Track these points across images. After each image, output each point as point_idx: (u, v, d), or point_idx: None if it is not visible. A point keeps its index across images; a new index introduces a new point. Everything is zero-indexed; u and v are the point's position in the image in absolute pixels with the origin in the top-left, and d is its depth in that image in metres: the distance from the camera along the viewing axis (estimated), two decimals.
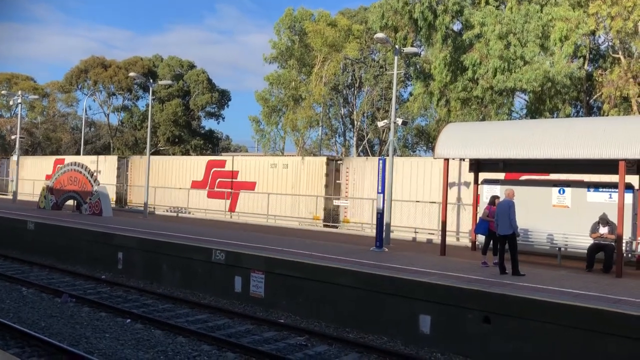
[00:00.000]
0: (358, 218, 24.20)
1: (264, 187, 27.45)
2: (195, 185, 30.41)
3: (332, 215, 25.24)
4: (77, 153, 49.83)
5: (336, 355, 9.93)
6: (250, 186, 28.08)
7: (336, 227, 24.53)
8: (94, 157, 36.82)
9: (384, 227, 16.95)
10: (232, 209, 28.54)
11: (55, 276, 16.29)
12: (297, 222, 25.69)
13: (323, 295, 12.29)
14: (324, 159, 26.68)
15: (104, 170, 34.38)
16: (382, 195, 16.45)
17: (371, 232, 22.28)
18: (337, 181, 25.44)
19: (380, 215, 16.36)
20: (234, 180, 28.76)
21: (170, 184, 30.74)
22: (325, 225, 24.85)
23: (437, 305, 10.63)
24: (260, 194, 27.25)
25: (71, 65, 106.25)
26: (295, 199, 26.00)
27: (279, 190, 26.77)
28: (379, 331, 11.28)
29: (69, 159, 38.53)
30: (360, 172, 24.59)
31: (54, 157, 40.61)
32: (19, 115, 36.49)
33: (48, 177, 37.18)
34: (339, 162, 26.15)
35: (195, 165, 31.15)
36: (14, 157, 33.03)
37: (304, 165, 26.49)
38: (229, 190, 28.62)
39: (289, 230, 22.83)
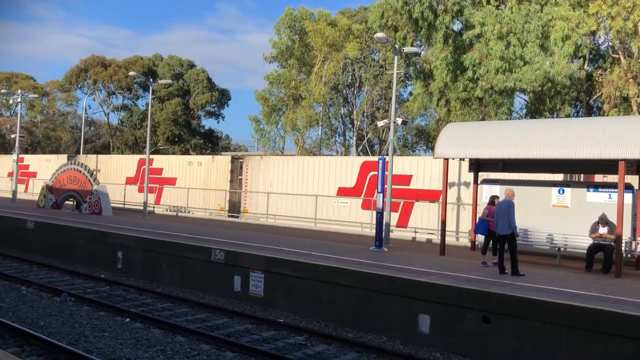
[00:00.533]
0: (254, 209, 27.64)
1: (183, 182, 30.93)
2: (129, 181, 33.52)
3: (236, 207, 28.67)
4: (77, 152, 49.78)
5: (335, 354, 9.93)
6: (172, 181, 31.45)
7: (237, 217, 27.81)
8: (48, 156, 39.59)
9: (384, 226, 16.94)
10: (157, 202, 31.50)
11: (54, 275, 16.28)
12: (208, 213, 28.87)
13: (322, 294, 12.29)
14: (229, 157, 30.10)
15: (57, 167, 36.79)
16: (381, 194, 16.44)
17: (265, 221, 26.26)
18: (240, 177, 28.75)
19: (379, 214, 16.35)
20: (159, 176, 32.28)
21: (108, 180, 33.56)
22: (229, 216, 28.11)
23: (437, 305, 10.63)
24: (180, 189, 30.63)
25: (71, 64, 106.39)
26: (207, 192, 29.47)
27: (195, 185, 30.13)
28: (378, 331, 11.28)
29: (25, 158, 40.72)
30: (256, 169, 27.94)
31: (8, 157, 42.32)
32: (18, 114, 36.48)
33: (10, 175, 38.70)
34: (240, 160, 29.32)
35: (129, 163, 34.48)
36: (13, 156, 33.00)
37: (214, 163, 29.93)
38: (156, 185, 31.62)
39: (202, 221, 25.34)
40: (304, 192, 25.92)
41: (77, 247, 18.43)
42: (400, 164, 22.98)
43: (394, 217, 22.43)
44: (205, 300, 13.75)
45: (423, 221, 22.35)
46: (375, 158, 27.40)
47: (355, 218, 24.00)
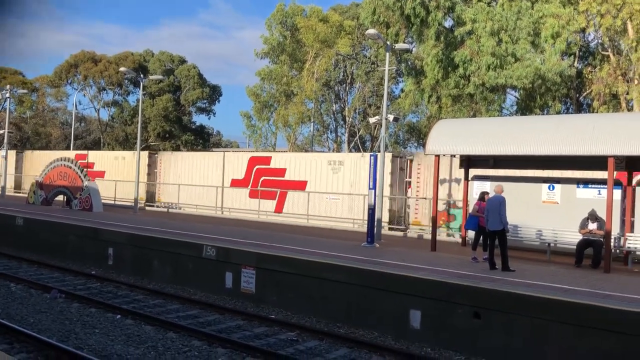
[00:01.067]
0: (167, 199, 31.13)
1: (110, 175, 34.01)
2: None
3: (153, 197, 32.20)
4: (67, 148, 49.49)
5: (327, 350, 9.95)
6: (101, 174, 34.34)
7: (153, 205, 31.20)
8: None
9: (375, 222, 16.97)
10: None
11: (44, 272, 16.19)
12: (130, 202, 31.23)
13: (314, 290, 12.31)
14: (147, 153, 33.54)
15: None
16: (373, 191, 16.47)
17: (176, 210, 29.50)
18: (155, 170, 32.34)
19: (371, 211, 16.38)
20: (91, 170, 34.88)
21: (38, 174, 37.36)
22: (146, 205, 31.26)
23: (428, 301, 10.67)
24: (107, 181, 33.41)
25: (61, 59, 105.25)
26: (129, 184, 31.63)
27: (121, 177, 33.08)
28: (369, 326, 11.31)
29: None
30: (168, 164, 31.82)
31: None
32: (7, 110, 36.20)
33: None
34: (156, 155, 33.10)
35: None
36: (2, 152, 32.76)
37: (134, 158, 32.00)
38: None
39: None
40: (206, 183, 29.26)
41: (67, 243, 18.33)
42: (278, 159, 27.14)
43: (272, 204, 26.43)
44: (196, 296, 13.72)
45: (294, 207, 25.68)
46: (261, 154, 31.83)
47: (246, 206, 27.48)
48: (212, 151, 41.39)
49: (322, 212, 24.92)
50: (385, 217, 22.43)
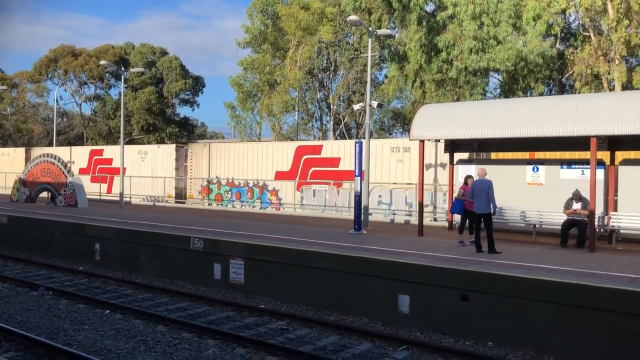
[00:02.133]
0: None
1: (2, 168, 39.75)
2: None
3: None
4: (50, 144, 48.92)
5: (317, 338, 10.00)
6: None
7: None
8: None
9: (362, 209, 17.01)
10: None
11: (31, 269, 16.06)
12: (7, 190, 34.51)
13: (303, 279, 12.34)
14: (24, 149, 39.18)
15: None
16: (359, 178, 16.49)
17: None
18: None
19: (358, 197, 16.41)
20: None
21: None
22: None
23: (416, 285, 10.74)
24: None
25: (40, 54, 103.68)
26: (8, 175, 36.83)
27: (6, 170, 38.67)
28: (359, 313, 11.38)
29: None
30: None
31: None
32: None
33: None
34: (30, 150, 38.68)
35: None
36: None
37: (15, 154, 39.24)
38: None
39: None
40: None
41: (53, 240, 18.17)
42: (108, 151, 34.33)
43: (104, 187, 33.39)
44: (185, 289, 13.70)
45: (120, 189, 29.07)
46: (98, 147, 37.75)
47: (89, 189, 31.67)
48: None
49: (137, 191, 30.92)
50: (173, 193, 29.87)
